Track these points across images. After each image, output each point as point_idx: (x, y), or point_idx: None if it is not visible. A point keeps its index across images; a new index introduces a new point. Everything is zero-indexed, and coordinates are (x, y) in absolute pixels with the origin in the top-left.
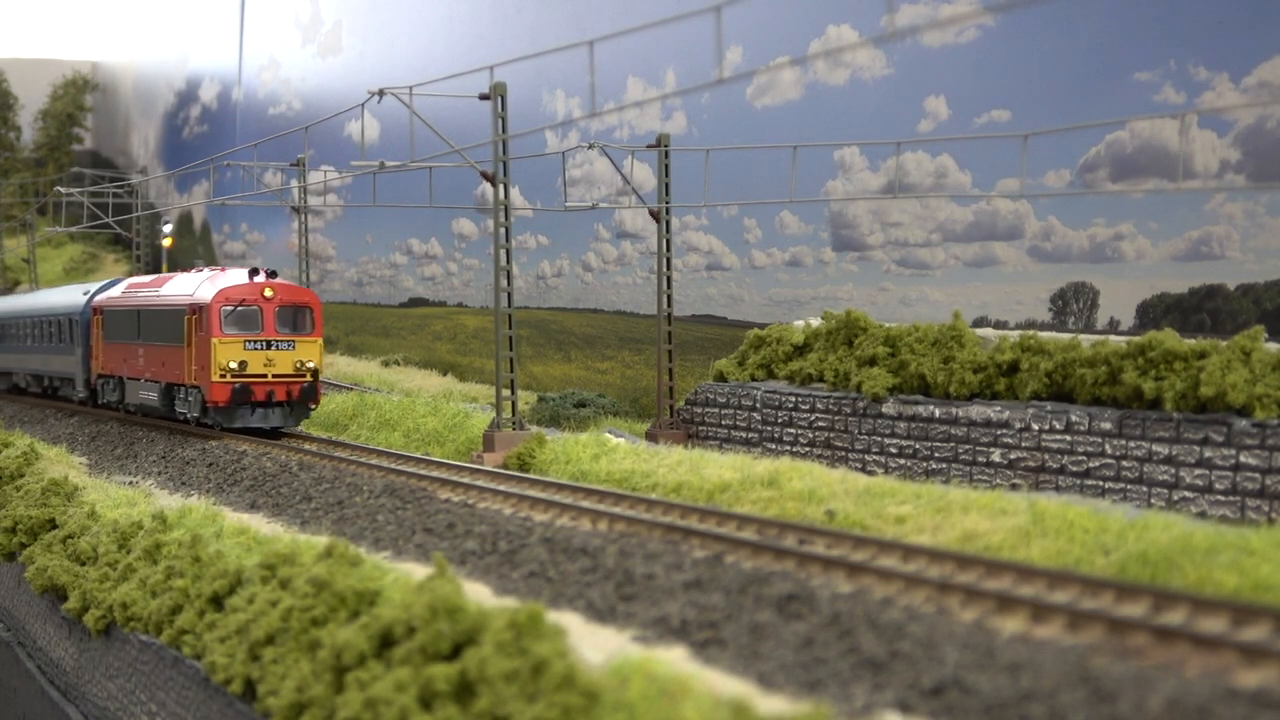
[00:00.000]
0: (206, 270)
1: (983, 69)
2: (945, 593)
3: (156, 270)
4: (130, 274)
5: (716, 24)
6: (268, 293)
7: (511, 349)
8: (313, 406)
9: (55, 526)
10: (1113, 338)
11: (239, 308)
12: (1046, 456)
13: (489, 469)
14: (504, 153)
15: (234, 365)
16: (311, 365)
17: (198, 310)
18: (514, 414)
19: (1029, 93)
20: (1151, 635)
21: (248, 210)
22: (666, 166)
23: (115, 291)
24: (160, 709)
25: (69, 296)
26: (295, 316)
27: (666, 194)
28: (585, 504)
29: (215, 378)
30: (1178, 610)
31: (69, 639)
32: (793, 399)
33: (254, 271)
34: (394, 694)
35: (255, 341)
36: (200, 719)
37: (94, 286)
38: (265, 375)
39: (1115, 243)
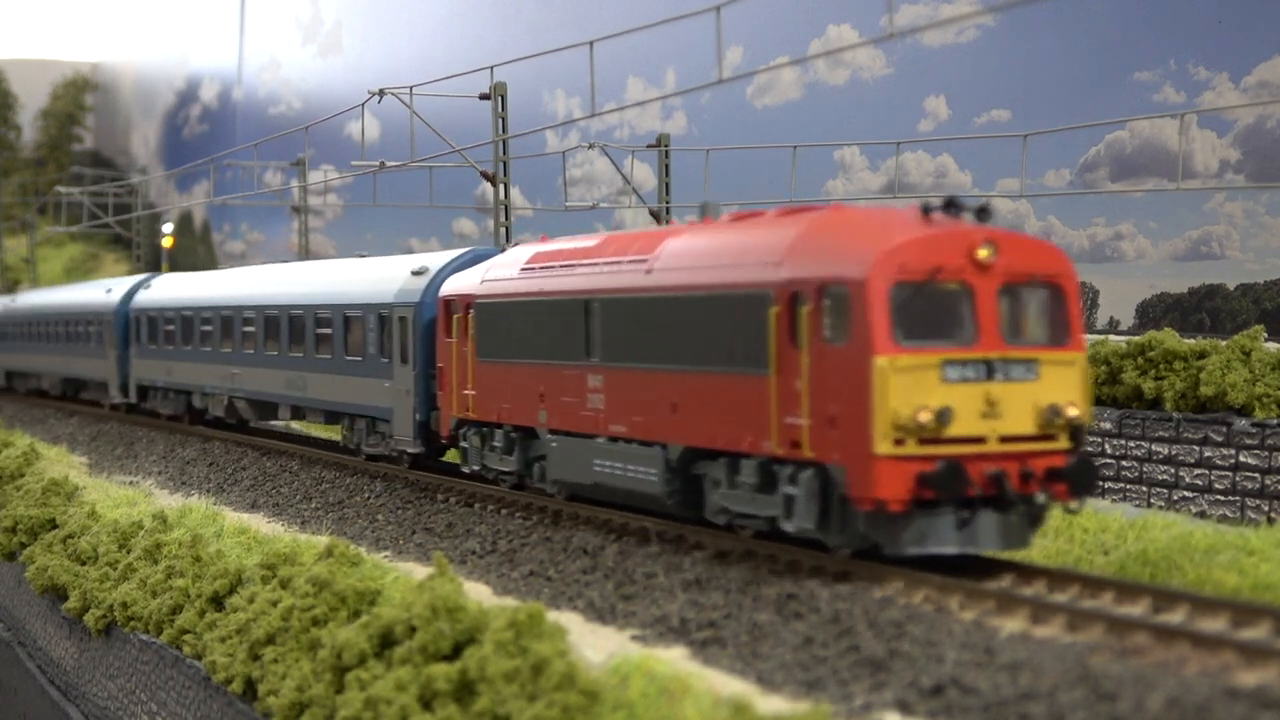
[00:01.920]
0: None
1: (983, 69)
2: (945, 592)
3: (155, 269)
4: (131, 273)
5: (716, 24)
6: (982, 254)
7: None
8: (1074, 506)
9: (55, 526)
10: (1112, 337)
11: (929, 287)
12: None
13: None
14: (504, 152)
15: (924, 418)
16: (1072, 414)
17: (818, 293)
18: None
19: (1029, 93)
20: (1151, 635)
21: (248, 210)
22: (667, 166)
23: (499, 269)
24: (160, 709)
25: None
26: (1037, 305)
27: (667, 194)
28: None
29: (881, 446)
30: (1178, 610)
31: (69, 639)
32: None
33: (950, 204)
34: (394, 693)
35: (965, 364)
36: (200, 718)
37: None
38: (984, 438)
39: (1115, 242)
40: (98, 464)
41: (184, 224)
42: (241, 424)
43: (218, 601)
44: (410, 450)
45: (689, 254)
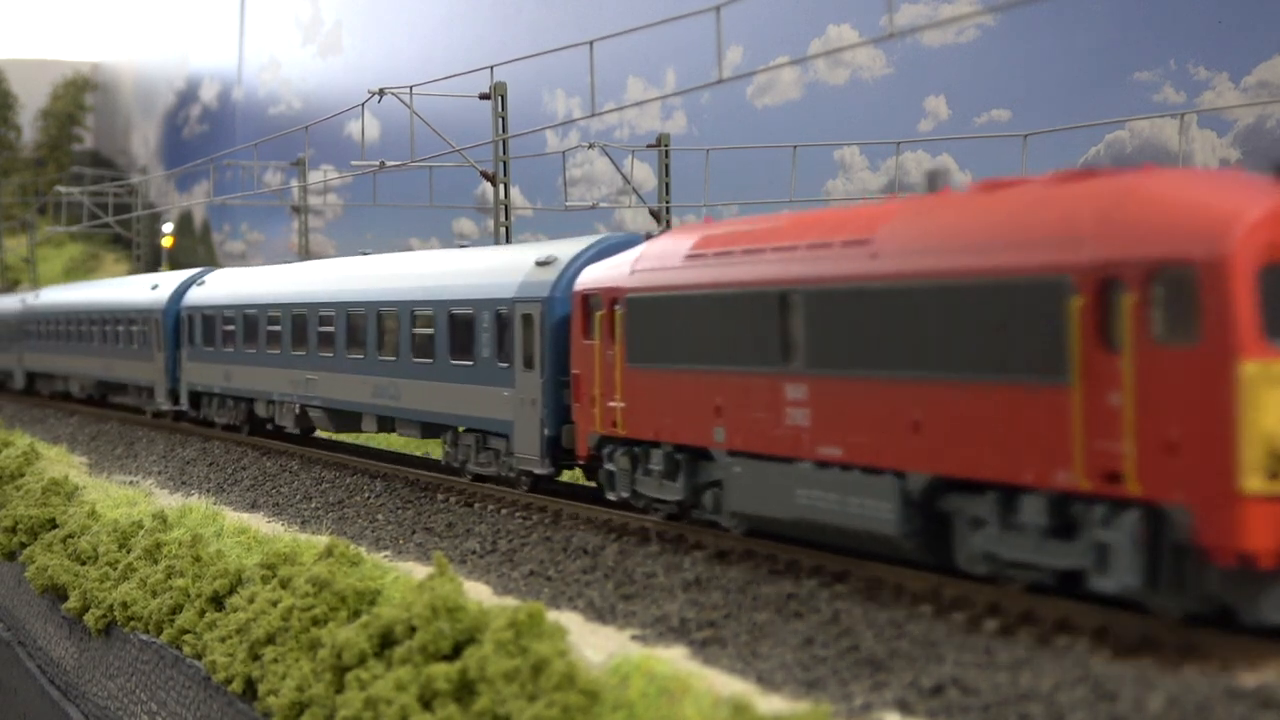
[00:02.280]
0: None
1: (982, 69)
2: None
3: (155, 269)
4: (131, 272)
5: (716, 24)
6: None
7: None
8: None
9: (55, 526)
10: None
11: None
12: None
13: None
14: (504, 152)
15: None
16: None
17: (1147, 278)
18: None
19: (1029, 92)
20: (1149, 634)
21: (248, 210)
22: (667, 166)
23: (655, 258)
24: (160, 708)
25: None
26: None
27: (667, 194)
28: None
29: (1250, 481)
30: None
31: (69, 638)
32: None
33: None
34: (394, 693)
35: None
36: (200, 718)
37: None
38: None
39: None
40: (98, 464)
41: (184, 224)
42: (307, 435)
43: (218, 601)
44: (537, 471)
45: (929, 233)
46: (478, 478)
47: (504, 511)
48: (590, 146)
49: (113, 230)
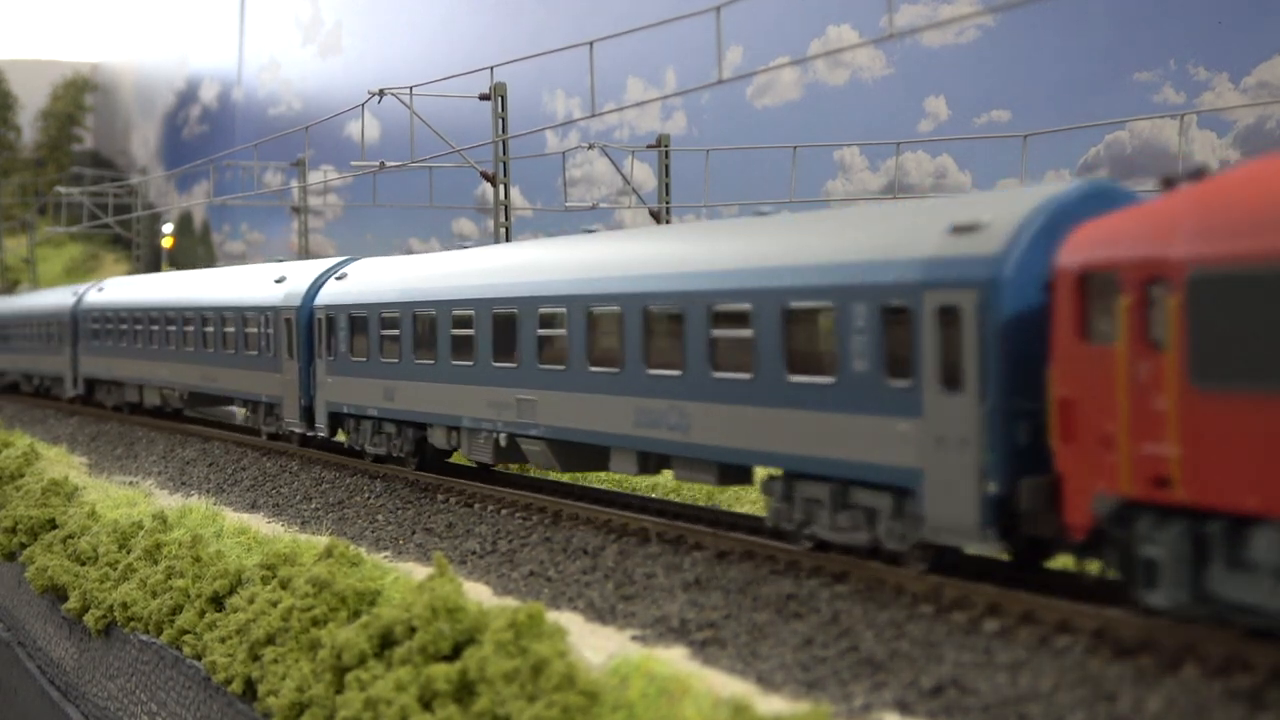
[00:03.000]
0: None
1: (982, 69)
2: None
3: (155, 269)
4: (131, 273)
5: (716, 24)
6: None
7: None
8: None
9: (55, 526)
10: None
11: None
12: None
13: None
14: (504, 153)
15: None
16: None
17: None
18: None
19: (1029, 93)
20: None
21: (248, 210)
22: (666, 167)
23: (1230, 213)
24: (160, 709)
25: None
26: None
27: (667, 194)
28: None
29: None
30: None
31: (69, 639)
32: None
33: None
34: (394, 694)
35: None
36: (200, 719)
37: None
38: None
39: None
40: (98, 464)
41: (184, 224)
42: (500, 471)
43: (218, 602)
44: (966, 547)
45: None
46: (821, 545)
47: (504, 512)
48: (590, 147)
49: (113, 231)
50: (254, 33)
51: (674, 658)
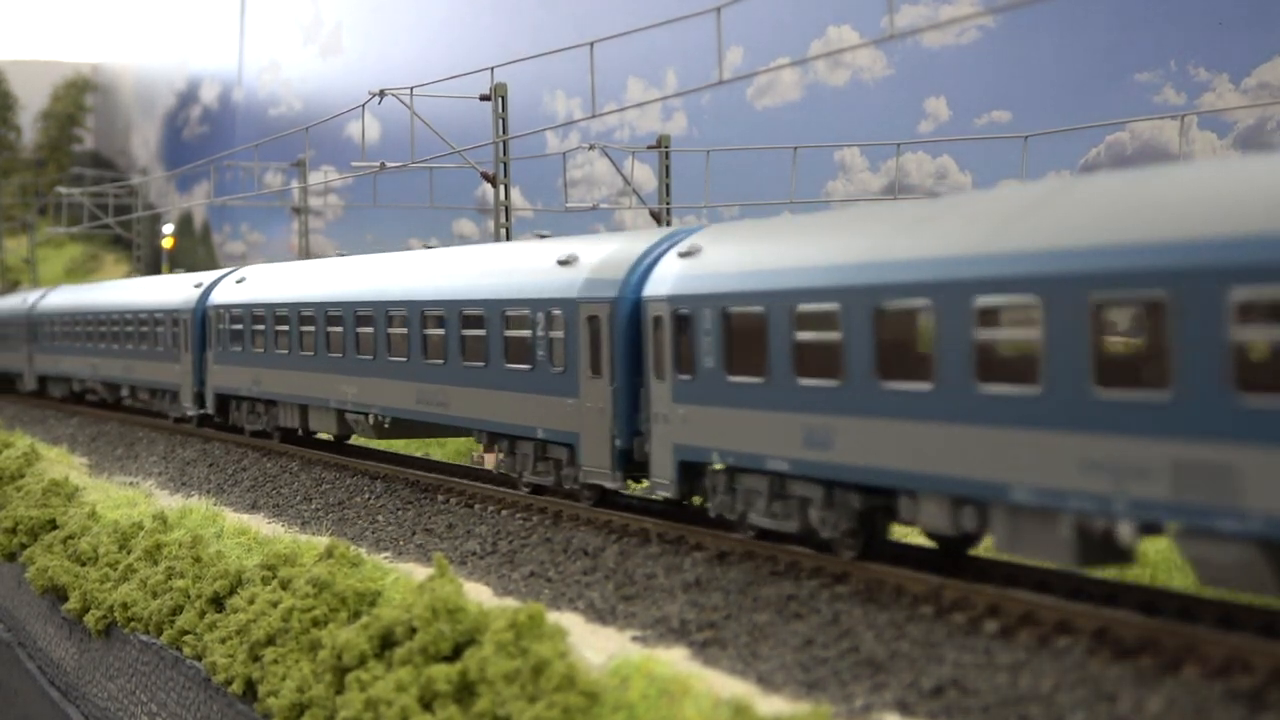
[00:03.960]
0: None
1: (983, 70)
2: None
3: (155, 270)
4: (131, 274)
5: (717, 24)
6: None
7: None
8: None
9: (56, 527)
10: None
11: None
12: None
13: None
14: (504, 153)
15: None
16: None
17: None
18: None
19: (1029, 93)
20: (1149, 634)
21: (248, 210)
22: (667, 167)
23: None
24: (161, 709)
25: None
26: None
27: (667, 195)
28: None
29: None
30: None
31: (69, 639)
32: None
33: None
34: (395, 694)
35: None
36: (201, 719)
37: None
38: None
39: None
40: (98, 465)
41: (184, 225)
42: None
43: (218, 602)
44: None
45: None
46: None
47: (504, 513)
48: (591, 147)
49: (113, 231)
50: (254, 33)
51: (674, 658)
